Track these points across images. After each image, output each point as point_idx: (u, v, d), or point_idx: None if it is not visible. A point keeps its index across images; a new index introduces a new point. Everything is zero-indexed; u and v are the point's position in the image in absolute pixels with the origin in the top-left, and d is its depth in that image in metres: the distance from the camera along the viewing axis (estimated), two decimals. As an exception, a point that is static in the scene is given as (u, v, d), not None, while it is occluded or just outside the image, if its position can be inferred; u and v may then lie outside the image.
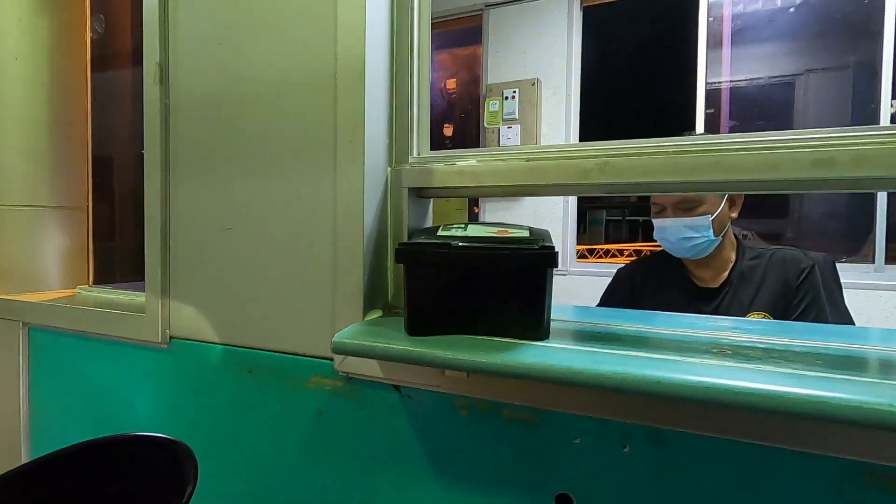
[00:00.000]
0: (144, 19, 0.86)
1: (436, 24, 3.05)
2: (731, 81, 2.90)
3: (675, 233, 1.16)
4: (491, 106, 2.54)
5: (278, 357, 0.76)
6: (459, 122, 2.80)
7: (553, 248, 0.55)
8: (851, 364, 0.49)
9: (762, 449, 0.50)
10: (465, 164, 0.69)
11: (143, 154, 0.88)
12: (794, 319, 1.13)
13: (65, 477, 0.38)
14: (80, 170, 1.77)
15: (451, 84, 2.85)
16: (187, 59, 0.84)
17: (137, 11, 0.92)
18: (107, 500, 0.39)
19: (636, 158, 0.59)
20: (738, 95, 2.92)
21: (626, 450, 0.56)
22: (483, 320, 0.58)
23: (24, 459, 1.05)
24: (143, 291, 0.90)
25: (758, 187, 0.57)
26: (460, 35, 2.88)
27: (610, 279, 1.42)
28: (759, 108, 2.93)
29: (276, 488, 0.77)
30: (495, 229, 0.65)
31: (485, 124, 2.53)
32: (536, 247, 0.54)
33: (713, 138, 0.58)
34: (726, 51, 2.89)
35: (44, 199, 1.70)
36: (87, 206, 1.76)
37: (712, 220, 1.13)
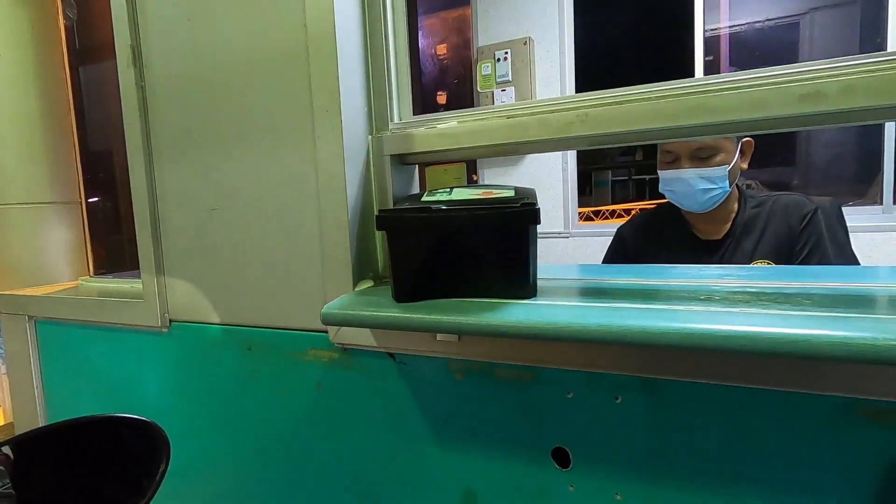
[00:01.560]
0: (112, 1, 0.84)
1: (422, -12, 2.95)
2: (730, 27, 2.79)
3: (690, 184, 1.12)
4: (483, 69, 2.47)
5: (275, 333, 0.77)
6: (453, 88, 2.75)
7: (535, 204, 0.54)
8: (842, 302, 0.48)
9: (753, 392, 0.50)
10: (445, 126, 0.68)
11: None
12: (798, 264, 1.11)
13: (43, 455, 0.39)
14: (71, 164, 1.77)
15: (442, 49, 2.78)
16: (158, 39, 0.82)
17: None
18: (80, 479, 0.40)
19: (617, 107, 0.58)
20: (738, 40, 2.81)
21: (618, 401, 0.56)
22: (469, 282, 0.57)
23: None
24: (139, 281, 0.91)
25: (745, 128, 0.55)
26: (448, -3, 2.78)
27: (614, 238, 1.40)
28: (760, 52, 2.83)
29: (281, 458, 0.79)
30: (480, 191, 0.64)
31: (478, 88, 2.47)
32: (517, 204, 0.53)
33: (695, 80, 0.56)
34: (725, -6, 2.77)
35: (43, 195, 1.71)
36: (80, 199, 1.76)
37: (728, 170, 1.10)
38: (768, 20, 2.81)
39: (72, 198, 1.68)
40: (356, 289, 0.69)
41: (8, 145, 1.66)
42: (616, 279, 0.65)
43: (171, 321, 0.87)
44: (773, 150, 3.00)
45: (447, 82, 2.81)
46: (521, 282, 0.55)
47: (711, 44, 2.67)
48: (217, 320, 0.82)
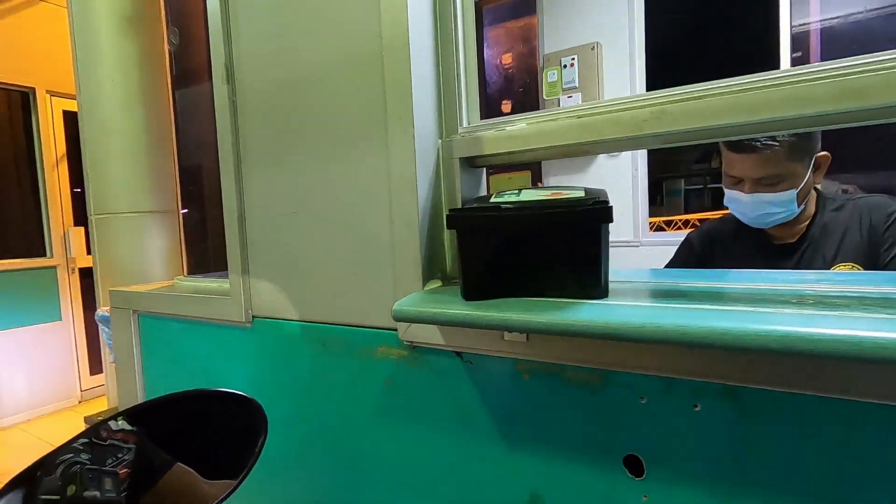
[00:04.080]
0: (209, 25, 0.93)
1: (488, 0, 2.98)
2: (821, 21, 2.58)
3: (754, 208, 1.08)
4: (549, 76, 2.46)
5: (347, 330, 0.80)
6: (518, 96, 2.75)
7: (607, 202, 0.53)
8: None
9: (852, 404, 0.46)
10: (514, 128, 0.68)
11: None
12: (885, 267, 1.01)
13: (168, 416, 0.44)
14: (170, 177, 1.96)
15: (508, 59, 2.79)
16: (248, 57, 0.90)
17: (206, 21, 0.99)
18: (195, 443, 0.44)
19: (694, 103, 0.56)
20: (831, 35, 2.58)
21: (697, 409, 0.53)
22: (539, 282, 0.57)
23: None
24: (225, 280, 0.98)
25: (839, 119, 0.51)
26: (513, 7, 2.80)
27: (680, 246, 1.35)
28: (857, 45, 2.58)
29: (350, 451, 0.82)
30: (549, 192, 0.63)
31: (544, 96, 2.46)
32: (590, 203, 0.52)
33: (780, 71, 0.53)
34: (815, -14, 2.57)
35: (144, 205, 1.91)
36: (178, 209, 1.95)
37: (796, 193, 1.04)
38: (867, 11, 2.56)
39: (170, 207, 1.86)
40: (425, 288, 0.71)
41: (116, 161, 1.87)
42: (692, 282, 0.62)
43: (253, 317, 0.93)
44: (870, 152, 2.71)
45: (512, 91, 2.81)
46: (592, 281, 0.54)
47: (800, 40, 2.48)
48: (295, 317, 0.87)
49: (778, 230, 1.14)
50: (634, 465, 0.58)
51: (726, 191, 1.13)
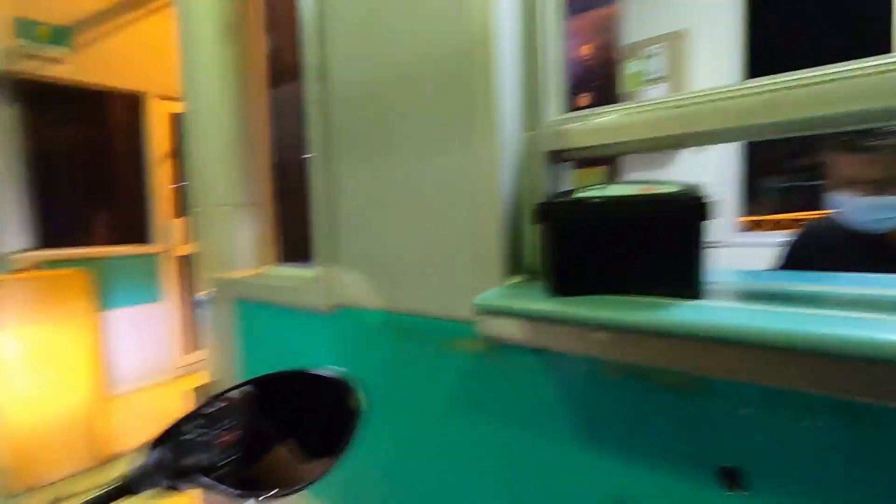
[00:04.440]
0: (304, 28, 0.98)
1: (566, -9, 2.89)
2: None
3: (868, 213, 0.97)
4: (630, 67, 2.35)
5: (428, 321, 0.82)
6: (596, 90, 2.65)
7: (708, 197, 0.50)
8: None
9: None
10: (604, 119, 0.66)
11: (306, 157, 1.01)
12: None
13: (274, 392, 0.47)
14: (263, 172, 2.10)
15: (586, 50, 2.70)
16: (340, 55, 0.94)
17: (295, 25, 1.05)
18: (301, 416, 0.47)
19: (815, 88, 0.51)
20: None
21: (806, 424, 0.49)
22: (631, 279, 0.55)
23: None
24: (311, 269, 1.04)
25: None
26: (593, -3, 2.69)
27: (781, 249, 1.24)
28: None
29: (427, 444, 0.83)
30: (639, 187, 0.61)
31: (624, 89, 2.35)
32: (690, 198, 0.49)
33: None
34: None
35: (239, 199, 2.07)
36: (270, 202, 2.09)
37: None
38: None
39: (261, 200, 1.99)
40: (506, 283, 0.71)
41: (214, 158, 2.03)
42: (799, 285, 0.57)
43: (337, 305, 0.98)
44: None
45: (589, 84, 2.72)
46: (689, 281, 0.51)
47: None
48: (377, 306, 0.90)
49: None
50: (730, 478, 0.54)
51: (834, 194, 1.03)
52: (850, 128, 0.56)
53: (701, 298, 0.52)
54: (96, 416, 2.63)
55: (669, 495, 0.58)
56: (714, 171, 2.33)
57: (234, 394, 0.45)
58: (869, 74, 0.48)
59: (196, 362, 4.13)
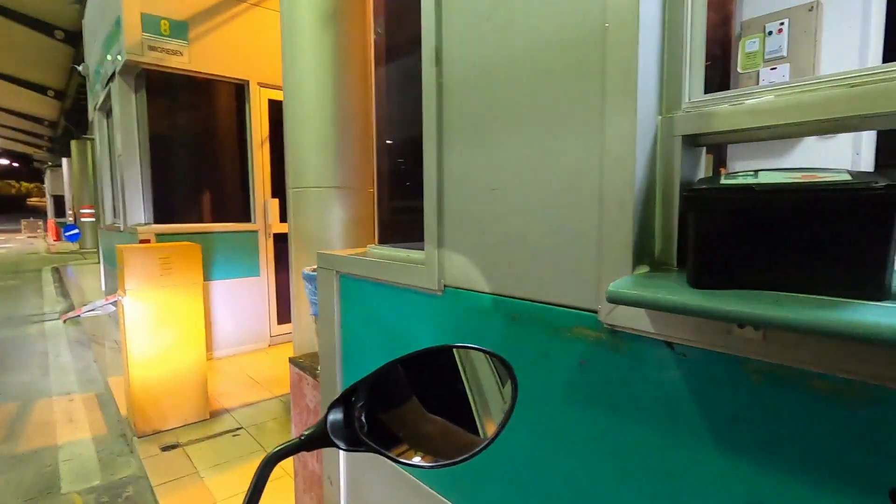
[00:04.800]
0: (423, 10, 1.00)
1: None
2: None
3: None
4: (748, 46, 2.14)
5: (540, 307, 0.81)
6: (705, 72, 2.46)
7: (902, 186, 0.44)
8: None
9: None
10: (758, 100, 0.61)
11: (410, 139, 1.03)
12: None
13: (432, 366, 0.49)
14: (364, 156, 2.19)
15: (693, 30, 2.50)
16: (458, 39, 0.94)
17: (411, 9, 1.07)
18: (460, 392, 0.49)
19: None
20: None
21: None
22: (788, 274, 0.51)
23: (338, 366, 1.38)
24: (419, 250, 1.07)
25: None
26: (705, -30, 2.47)
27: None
28: None
29: (539, 429, 0.83)
30: (798, 174, 0.55)
31: (739, 69, 2.15)
32: (880, 185, 0.44)
33: None
34: None
35: (331, 181, 2.17)
36: (370, 184, 2.18)
37: None
38: None
39: (356, 184, 2.08)
40: (634, 272, 0.68)
41: (310, 143, 2.13)
42: None
43: (445, 286, 1.00)
44: None
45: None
46: (873, 280, 0.46)
47: None
48: (486, 289, 0.91)
49: None
50: (902, 501, 0.49)
51: None
52: None
53: (888, 301, 0.47)
54: (205, 375, 2.91)
55: (819, 510, 0.54)
56: (844, 163, 2.08)
57: (399, 368, 0.48)
58: None
59: (287, 333, 4.43)
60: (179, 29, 3.90)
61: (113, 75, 4.06)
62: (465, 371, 0.50)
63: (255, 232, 4.34)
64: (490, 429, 0.47)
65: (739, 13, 2.26)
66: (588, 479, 0.76)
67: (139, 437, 2.69)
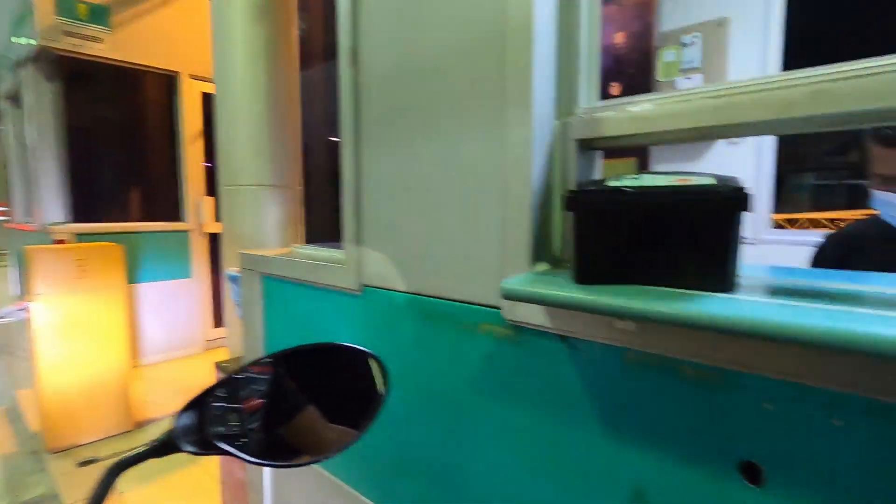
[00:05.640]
0: (339, 10, 0.99)
1: (602, -24, 2.82)
2: None
3: None
4: (666, 56, 2.28)
5: (452, 304, 0.83)
6: (627, 79, 2.59)
7: (744, 189, 0.49)
8: None
9: None
10: (639, 108, 0.65)
11: (333, 140, 1.02)
12: None
13: (301, 365, 0.49)
14: (292, 154, 2.14)
15: (619, 38, 2.64)
16: (373, 39, 0.94)
17: (332, 7, 1.06)
18: (327, 389, 0.49)
19: (860, 81, 0.49)
20: None
21: (835, 423, 0.49)
22: (657, 270, 0.55)
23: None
24: (341, 250, 1.06)
25: None
26: (630, -17, 2.61)
27: (814, 249, 1.20)
28: None
29: (448, 419, 0.85)
30: (674, 178, 0.60)
31: (658, 77, 2.29)
32: (726, 189, 0.49)
33: None
34: None
35: (265, 179, 2.10)
36: (299, 184, 2.12)
37: None
38: None
39: (289, 182, 2.03)
40: (533, 270, 0.71)
41: (243, 139, 2.06)
42: (831, 282, 0.56)
43: (364, 286, 1.00)
44: None
45: (621, 73, 2.66)
46: (720, 274, 0.51)
47: None
48: (403, 288, 0.92)
49: None
50: (752, 474, 0.54)
51: (876, 192, 0.99)
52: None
53: (732, 292, 0.52)
54: (127, 383, 2.74)
55: (688, 487, 0.59)
56: (748, 167, 2.27)
57: (261, 364, 0.47)
58: (922, 67, 0.46)
59: (223, 337, 4.26)
60: (99, 14, 3.64)
61: (24, 61, 3.74)
62: (337, 368, 0.50)
63: (188, 232, 4.14)
64: (362, 424, 0.48)
65: (659, 24, 2.41)
66: (497, 469, 0.79)
67: (52, 454, 2.50)
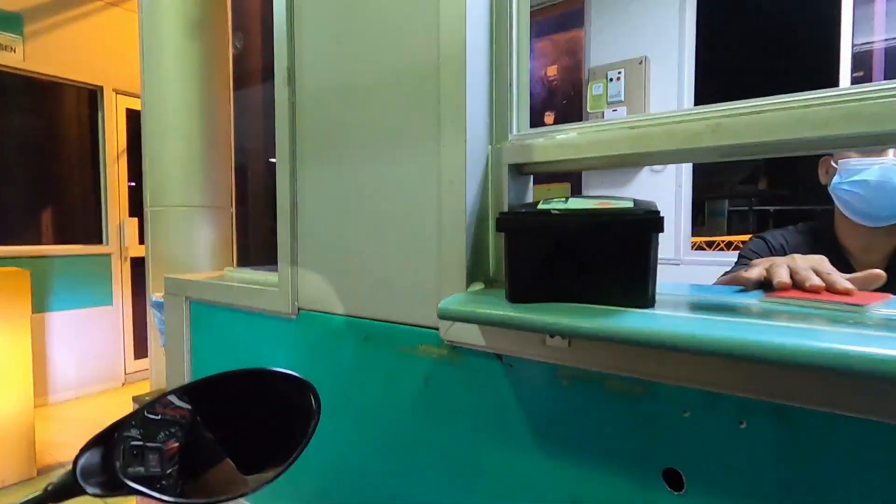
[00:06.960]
0: (275, 30, 0.98)
1: (534, 13, 3.00)
2: (886, 40, 2.47)
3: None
4: (594, 89, 2.45)
5: (390, 326, 0.83)
6: (561, 108, 2.74)
7: (658, 212, 0.54)
8: None
9: (912, 431, 0.44)
10: (565, 136, 0.69)
11: (273, 161, 1.01)
12: None
13: (220, 395, 0.47)
14: (225, 175, 2.06)
15: (552, 71, 2.80)
16: (309, 60, 0.94)
17: (269, 27, 1.05)
18: (250, 419, 0.47)
19: (754, 117, 0.55)
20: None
21: (742, 426, 0.53)
22: (585, 288, 0.58)
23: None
24: (274, 273, 1.03)
25: (908, 139, 0.50)
26: (560, 20, 2.80)
27: (729, 268, 1.28)
28: (926, 66, 2.44)
29: (387, 446, 0.84)
30: (597, 201, 0.64)
31: (588, 109, 2.45)
32: (641, 212, 0.53)
33: (841, 89, 0.52)
34: (879, 5, 2.47)
35: (197, 200, 2.01)
36: (231, 205, 2.04)
37: None
38: (937, 31, 2.43)
39: (222, 203, 1.95)
40: (468, 290, 0.73)
41: (172, 158, 1.97)
42: (740, 298, 0.61)
43: (299, 309, 0.97)
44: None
45: (556, 103, 2.81)
46: (639, 291, 0.54)
47: (862, 59, 2.38)
48: (340, 311, 0.90)
49: (866, 254, 1.06)
50: (674, 480, 0.57)
51: (855, 161, 1.00)
52: (787, 154, 0.61)
53: (652, 308, 0.55)
54: (30, 424, 2.46)
55: (619, 497, 0.61)
56: (670, 193, 2.45)
57: (177, 398, 0.44)
58: (808, 106, 0.53)
59: (146, 369, 3.94)
60: (11, 21, 3.39)
61: (-83, 68, 3.39)
62: (262, 394, 0.48)
63: (109, 255, 3.85)
64: (293, 451, 0.46)
65: (588, 60, 2.59)
66: (434, 489, 0.78)
67: (-66, 510, 2.18)
